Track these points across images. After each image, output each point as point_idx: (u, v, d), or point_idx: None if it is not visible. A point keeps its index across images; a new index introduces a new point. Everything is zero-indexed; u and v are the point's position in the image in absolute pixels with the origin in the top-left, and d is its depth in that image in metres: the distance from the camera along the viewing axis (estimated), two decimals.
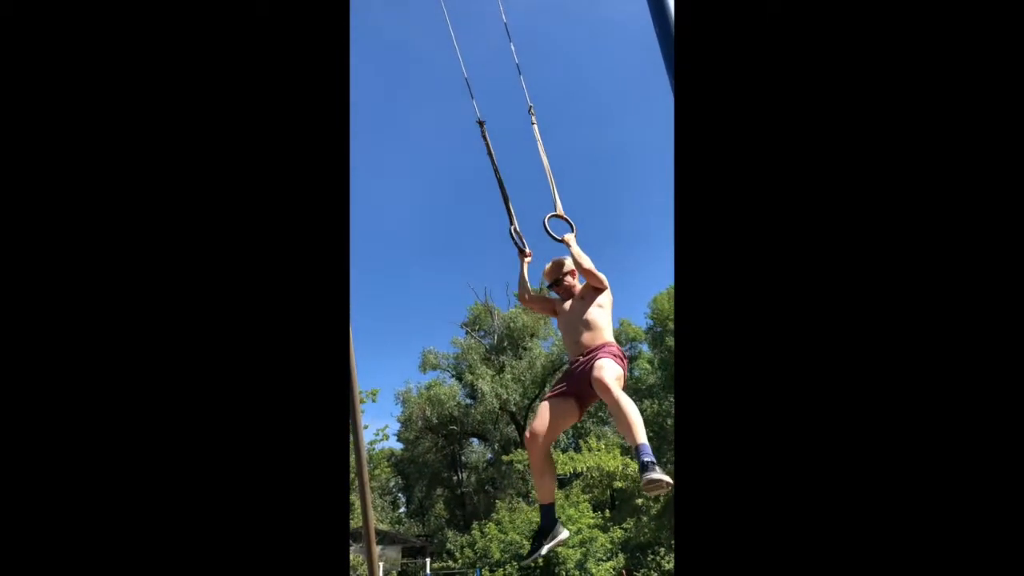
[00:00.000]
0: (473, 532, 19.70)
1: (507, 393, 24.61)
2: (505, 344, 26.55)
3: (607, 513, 19.74)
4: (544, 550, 2.97)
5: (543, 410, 3.04)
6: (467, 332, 28.26)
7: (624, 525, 19.59)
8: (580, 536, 17.21)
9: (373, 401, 18.90)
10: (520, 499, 21.61)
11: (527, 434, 3.00)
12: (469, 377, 25.88)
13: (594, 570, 17.13)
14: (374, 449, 20.73)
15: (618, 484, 19.38)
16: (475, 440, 28.72)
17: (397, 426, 27.51)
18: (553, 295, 3.40)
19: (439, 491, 29.50)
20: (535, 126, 3.66)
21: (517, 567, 17.47)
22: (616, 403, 2.74)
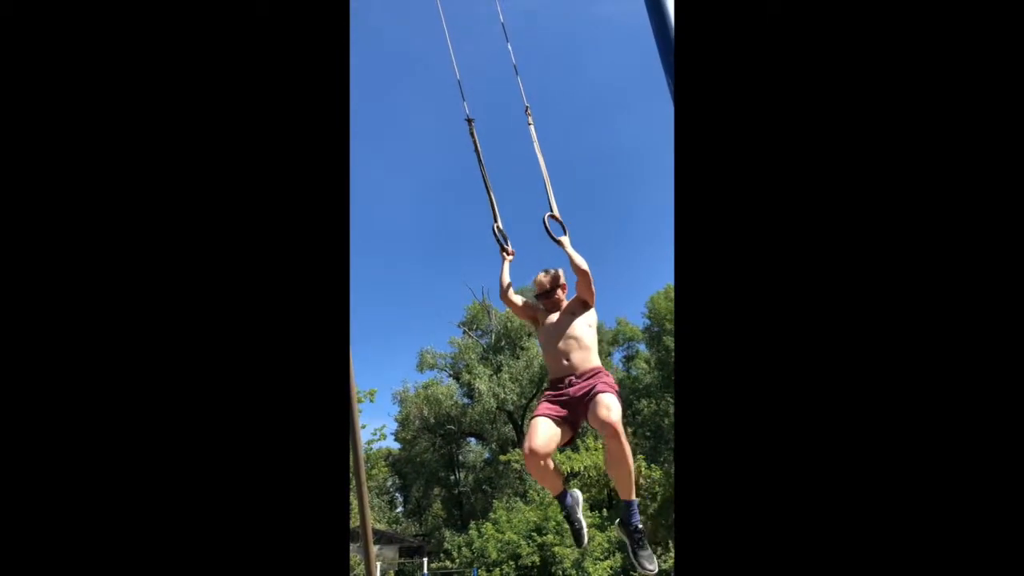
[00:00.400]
0: (470, 532, 19.71)
1: (504, 393, 24.61)
2: (502, 344, 26.55)
3: (604, 512, 19.74)
4: (583, 522, 3.06)
5: (542, 428, 2.93)
6: (464, 332, 28.26)
7: None
8: None
9: (371, 401, 18.89)
10: (518, 499, 21.62)
11: (527, 452, 2.88)
12: (466, 377, 25.89)
13: (591, 569, 17.15)
14: (371, 449, 20.72)
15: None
16: (472, 440, 28.72)
17: (394, 425, 27.54)
18: (537, 304, 3.36)
19: (436, 491, 29.50)
20: (531, 127, 3.66)
21: (514, 566, 17.48)
22: (622, 451, 2.76)
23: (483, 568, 17.89)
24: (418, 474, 28.87)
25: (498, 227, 3.45)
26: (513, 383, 24.78)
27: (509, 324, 26.05)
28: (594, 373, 3.00)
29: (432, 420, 26.43)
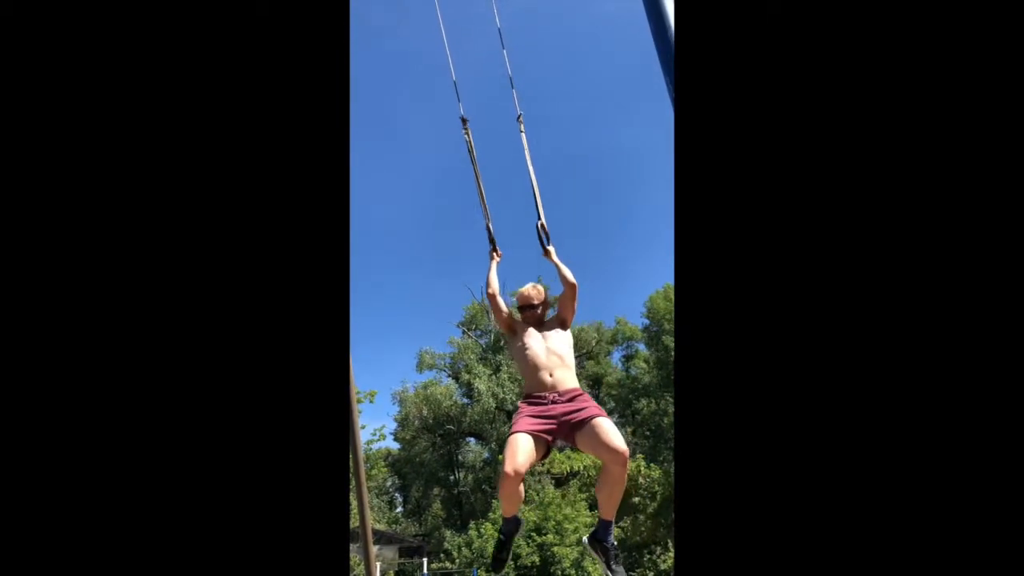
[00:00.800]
0: (470, 532, 19.73)
1: (503, 392, 24.63)
2: (501, 343, 26.55)
3: None
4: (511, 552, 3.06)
5: (524, 447, 2.81)
6: (463, 332, 28.27)
7: (620, 524, 19.61)
8: (577, 535, 17.24)
9: (371, 402, 18.91)
10: None
11: (509, 472, 2.73)
12: (466, 377, 25.90)
13: (591, 569, 17.17)
14: (371, 449, 20.73)
15: None
16: (472, 439, 28.72)
17: (394, 426, 27.55)
18: (517, 315, 3.38)
19: (436, 491, 29.50)
20: (523, 134, 3.68)
21: (514, 566, 17.49)
22: (624, 477, 2.82)
23: (483, 568, 17.91)
24: (417, 474, 28.88)
25: (489, 227, 3.48)
26: (512, 383, 24.79)
27: None
28: (578, 395, 3.00)
29: (431, 420, 26.44)
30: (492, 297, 3.36)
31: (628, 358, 28.70)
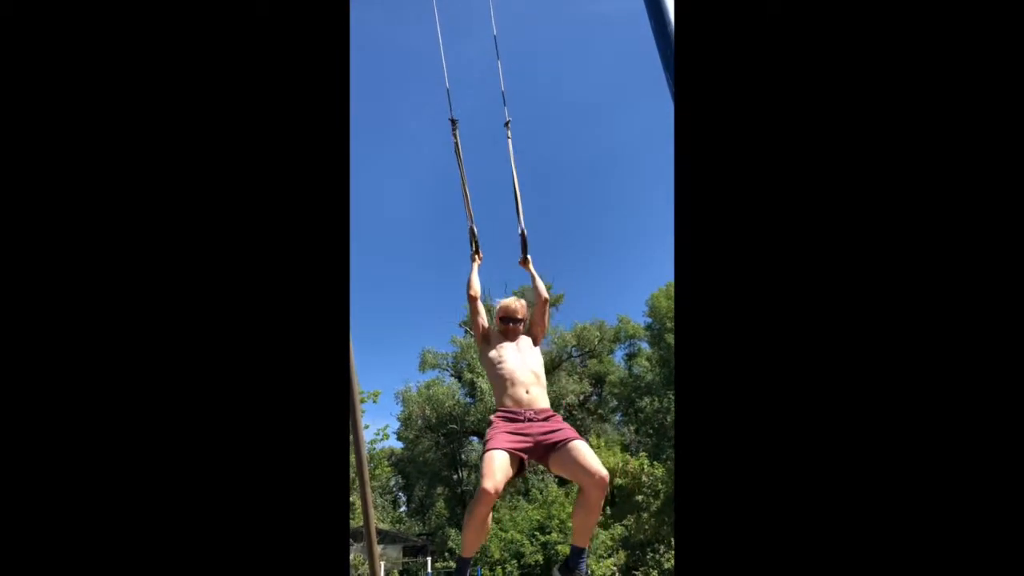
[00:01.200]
0: None
1: None
2: None
3: (607, 510, 19.75)
4: None
5: (501, 465, 2.69)
6: (466, 331, 28.24)
7: (624, 522, 19.61)
8: None
9: (374, 402, 18.93)
10: (520, 497, 21.63)
11: (489, 491, 2.59)
12: (468, 376, 25.89)
13: (594, 567, 17.16)
14: (374, 448, 20.74)
15: (618, 481, 19.39)
16: (475, 438, 28.70)
17: (397, 425, 27.56)
18: (491, 325, 3.37)
19: (439, 490, 29.52)
20: (510, 140, 3.70)
21: (517, 565, 17.49)
22: (598, 504, 2.80)
23: (486, 567, 17.91)
24: (421, 473, 28.89)
25: (472, 228, 3.51)
26: None
27: None
28: (552, 415, 2.99)
29: (434, 419, 26.44)
30: (473, 300, 3.38)
31: (631, 356, 28.67)
